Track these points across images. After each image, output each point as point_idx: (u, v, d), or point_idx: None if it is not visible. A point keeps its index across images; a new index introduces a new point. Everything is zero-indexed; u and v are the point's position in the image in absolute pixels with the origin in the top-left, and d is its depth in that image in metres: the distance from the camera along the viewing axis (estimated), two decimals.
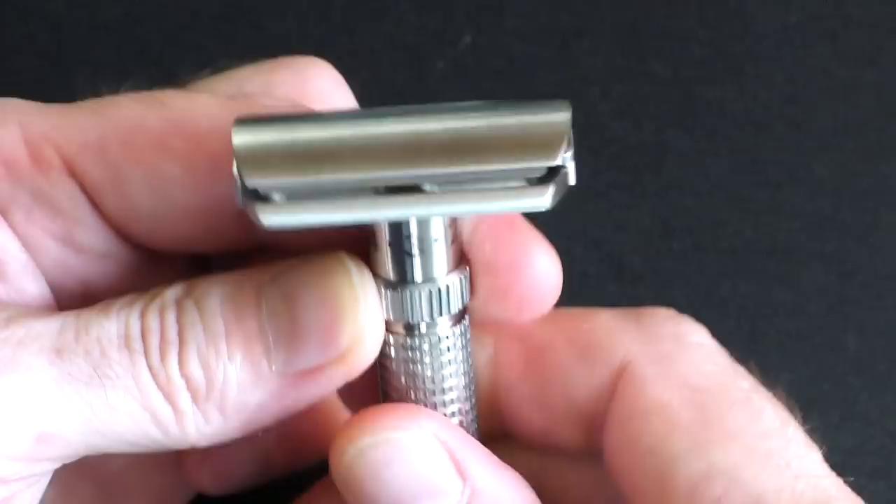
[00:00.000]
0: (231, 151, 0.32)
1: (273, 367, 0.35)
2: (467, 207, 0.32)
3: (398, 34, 0.55)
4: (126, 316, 0.35)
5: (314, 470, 0.41)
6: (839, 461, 0.37)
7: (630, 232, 0.52)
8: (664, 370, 0.37)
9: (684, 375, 0.37)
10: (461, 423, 0.37)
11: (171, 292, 0.35)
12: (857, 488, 0.36)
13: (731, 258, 0.51)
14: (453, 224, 0.35)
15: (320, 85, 0.39)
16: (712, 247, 0.51)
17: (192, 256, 0.38)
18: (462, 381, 0.37)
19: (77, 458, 0.35)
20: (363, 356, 0.35)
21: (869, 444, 0.49)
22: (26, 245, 0.37)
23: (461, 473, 0.36)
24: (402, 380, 0.36)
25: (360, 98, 0.42)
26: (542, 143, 0.32)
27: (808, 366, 0.50)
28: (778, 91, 0.54)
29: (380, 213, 0.32)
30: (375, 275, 0.35)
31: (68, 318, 0.35)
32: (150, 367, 0.34)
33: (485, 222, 0.37)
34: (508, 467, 0.37)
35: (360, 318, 0.35)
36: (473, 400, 0.37)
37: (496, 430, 0.39)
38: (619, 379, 0.37)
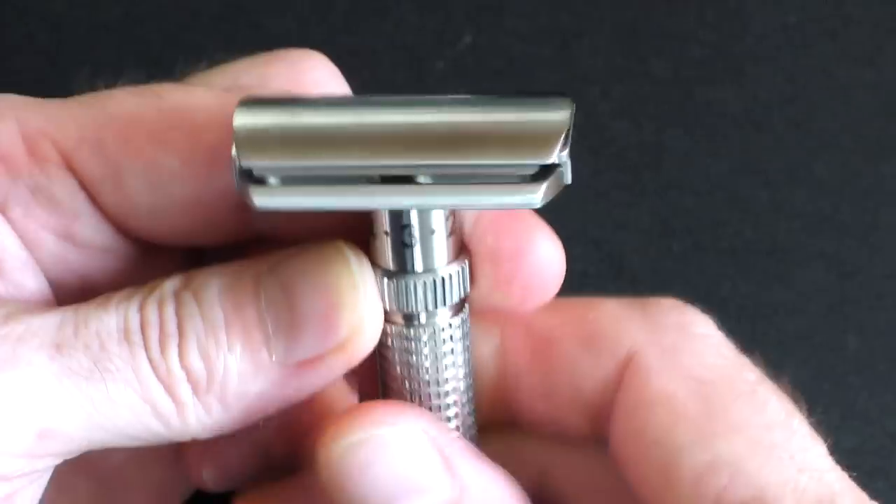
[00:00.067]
0: (229, 141, 0.33)
1: (273, 357, 0.35)
2: (458, 201, 0.32)
3: (398, 34, 0.55)
4: (125, 309, 0.35)
5: None
6: (839, 461, 0.37)
7: (630, 232, 0.52)
8: (670, 361, 0.37)
9: (690, 367, 0.37)
10: (457, 414, 0.37)
11: (170, 284, 0.35)
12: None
13: (731, 258, 0.51)
14: (453, 214, 0.35)
15: (315, 77, 0.39)
16: (712, 247, 0.51)
17: (191, 249, 0.38)
18: (460, 371, 0.37)
19: (79, 453, 0.35)
20: (363, 344, 0.35)
21: (869, 443, 0.49)
22: (24, 240, 0.36)
23: (449, 470, 0.36)
24: (400, 370, 0.36)
25: None
26: (538, 140, 0.32)
27: (808, 366, 0.50)
28: (778, 91, 0.54)
29: (370, 201, 0.32)
30: (375, 264, 0.35)
31: (67, 312, 0.35)
32: (150, 360, 0.34)
33: (487, 213, 0.37)
34: (496, 465, 0.37)
35: (359, 306, 0.35)
36: (471, 392, 0.37)
37: (502, 419, 0.39)
38: (625, 369, 0.38)
